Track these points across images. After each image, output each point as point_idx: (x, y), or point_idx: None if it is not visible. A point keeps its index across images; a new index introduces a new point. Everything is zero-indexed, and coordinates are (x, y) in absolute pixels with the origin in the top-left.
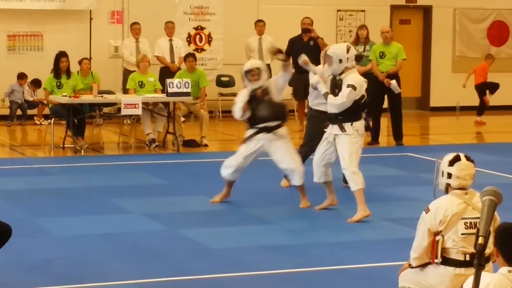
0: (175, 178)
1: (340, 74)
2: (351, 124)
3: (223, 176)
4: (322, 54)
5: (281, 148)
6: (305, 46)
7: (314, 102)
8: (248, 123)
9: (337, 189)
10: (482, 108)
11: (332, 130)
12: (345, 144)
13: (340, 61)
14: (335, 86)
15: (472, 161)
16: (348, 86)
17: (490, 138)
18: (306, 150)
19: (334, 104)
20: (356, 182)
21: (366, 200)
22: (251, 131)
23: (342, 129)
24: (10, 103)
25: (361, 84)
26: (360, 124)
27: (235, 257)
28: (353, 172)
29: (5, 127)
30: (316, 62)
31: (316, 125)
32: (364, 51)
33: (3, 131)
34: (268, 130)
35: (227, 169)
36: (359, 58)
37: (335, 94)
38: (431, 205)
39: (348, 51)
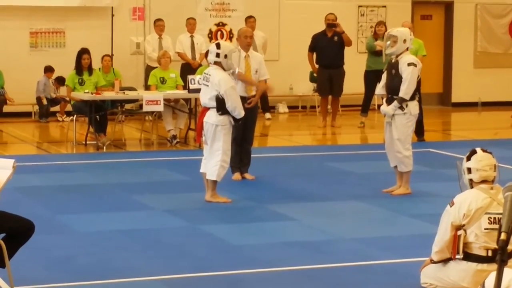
0: (197, 174)
1: (398, 55)
2: (406, 106)
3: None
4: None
5: None
6: (329, 42)
7: None
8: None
9: (353, 183)
10: None
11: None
12: (401, 127)
13: (404, 41)
14: (392, 67)
15: (490, 152)
16: (409, 64)
17: None
18: None
19: (406, 89)
20: (406, 165)
21: (388, 196)
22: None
23: (401, 108)
24: (37, 99)
25: (418, 61)
26: (414, 105)
27: (257, 253)
28: (406, 156)
29: (27, 124)
30: (340, 57)
31: None
32: None
33: (26, 128)
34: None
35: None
36: (380, 54)
37: (392, 75)
38: (456, 198)
39: (410, 33)
